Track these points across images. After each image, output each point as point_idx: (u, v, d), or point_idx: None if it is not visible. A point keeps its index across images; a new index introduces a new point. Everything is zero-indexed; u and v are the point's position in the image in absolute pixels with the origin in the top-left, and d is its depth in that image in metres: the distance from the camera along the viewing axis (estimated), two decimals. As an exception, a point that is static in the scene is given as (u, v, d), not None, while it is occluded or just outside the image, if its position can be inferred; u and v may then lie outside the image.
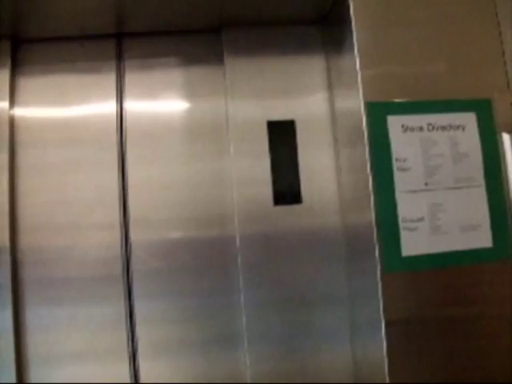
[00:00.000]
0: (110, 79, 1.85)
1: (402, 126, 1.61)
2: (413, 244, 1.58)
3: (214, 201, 1.79)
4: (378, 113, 1.60)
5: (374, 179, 1.57)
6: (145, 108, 1.84)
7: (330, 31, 1.90)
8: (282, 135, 1.81)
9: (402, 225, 1.57)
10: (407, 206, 1.58)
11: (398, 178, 1.58)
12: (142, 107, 1.84)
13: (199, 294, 1.74)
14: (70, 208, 1.73)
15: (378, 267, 1.56)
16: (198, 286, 1.74)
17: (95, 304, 1.66)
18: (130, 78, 1.86)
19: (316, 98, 1.89)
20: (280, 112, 1.84)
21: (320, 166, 1.85)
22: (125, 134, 1.81)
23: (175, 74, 1.87)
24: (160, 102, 1.86)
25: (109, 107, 1.83)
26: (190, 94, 1.87)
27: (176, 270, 1.72)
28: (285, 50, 1.90)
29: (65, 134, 1.79)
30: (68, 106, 1.83)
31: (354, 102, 1.67)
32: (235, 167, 1.79)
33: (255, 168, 1.79)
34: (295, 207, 1.80)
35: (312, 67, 1.91)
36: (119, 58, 1.88)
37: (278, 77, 1.88)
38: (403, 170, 1.59)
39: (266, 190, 1.78)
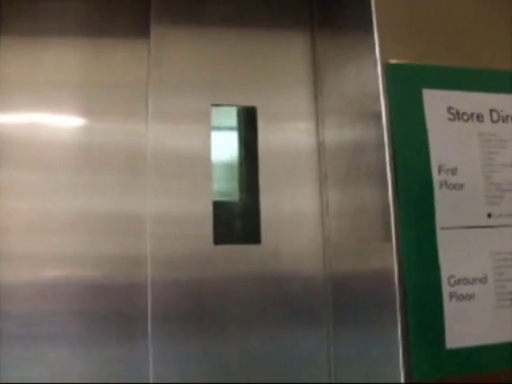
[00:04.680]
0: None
1: (450, 109, 0.90)
2: (467, 325, 0.85)
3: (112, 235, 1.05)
4: (406, 83, 0.89)
5: (396, 202, 0.85)
6: (23, 107, 1.09)
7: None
8: (234, 129, 1.10)
9: (446, 289, 0.85)
10: (457, 256, 0.86)
11: (442, 202, 0.86)
12: (18, 104, 1.09)
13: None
14: None
15: (402, 371, 0.83)
16: (91, 337, 1.02)
17: None
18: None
19: (291, 77, 1.16)
20: (232, 99, 1.12)
21: (293, 181, 1.12)
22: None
23: (72, 48, 1.13)
24: (45, 94, 1.10)
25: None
26: (93, 80, 1.12)
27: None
28: (240, 10, 1.19)
29: None
30: None
31: (362, 69, 0.96)
32: (151, 184, 1.06)
33: (185, 182, 1.06)
34: (250, 248, 1.06)
35: (288, 33, 1.20)
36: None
37: (229, 51, 1.16)
38: (451, 188, 0.87)
39: (204, 221, 1.05)
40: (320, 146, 1.14)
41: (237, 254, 1.07)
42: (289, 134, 1.12)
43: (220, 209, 1.08)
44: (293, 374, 1.07)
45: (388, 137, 0.86)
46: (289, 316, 1.09)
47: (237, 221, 1.12)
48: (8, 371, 1.00)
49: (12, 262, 1.03)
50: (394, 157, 0.85)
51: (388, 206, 0.84)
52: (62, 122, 1.09)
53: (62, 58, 1.10)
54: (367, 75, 0.92)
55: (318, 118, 1.14)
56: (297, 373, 1.07)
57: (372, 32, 0.89)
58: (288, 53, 1.18)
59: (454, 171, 0.87)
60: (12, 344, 1.00)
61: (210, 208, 1.07)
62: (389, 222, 0.84)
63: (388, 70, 0.88)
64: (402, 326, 0.83)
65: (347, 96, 1.05)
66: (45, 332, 1.02)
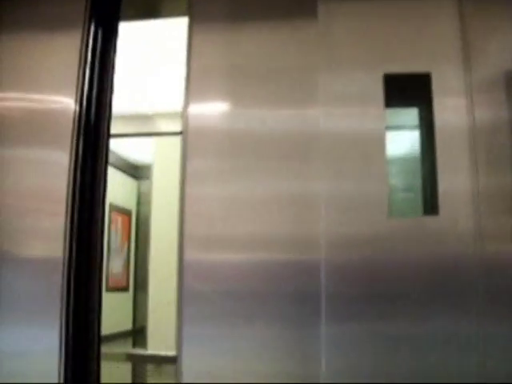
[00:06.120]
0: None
1: None
2: None
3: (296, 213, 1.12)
4: None
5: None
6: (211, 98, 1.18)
7: None
8: (406, 96, 1.14)
9: None
10: None
11: None
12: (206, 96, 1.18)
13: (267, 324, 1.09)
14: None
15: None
16: (268, 316, 1.10)
17: None
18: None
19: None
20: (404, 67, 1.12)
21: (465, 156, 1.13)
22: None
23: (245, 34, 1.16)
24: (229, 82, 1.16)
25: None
26: (266, 66, 1.15)
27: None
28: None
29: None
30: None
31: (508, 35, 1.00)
32: (325, 167, 1.11)
33: (358, 163, 1.08)
34: (426, 220, 1.08)
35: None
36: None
37: (396, 20, 1.15)
38: None
39: (376, 190, 1.08)
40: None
41: (412, 228, 1.06)
42: (462, 104, 1.09)
43: (396, 186, 1.11)
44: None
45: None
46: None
47: (413, 196, 1.15)
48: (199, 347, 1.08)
49: (201, 244, 1.12)
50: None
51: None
52: (240, 111, 1.16)
53: (237, 44, 1.16)
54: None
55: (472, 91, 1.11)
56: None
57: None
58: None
59: None
60: (200, 321, 1.09)
61: (385, 188, 1.07)
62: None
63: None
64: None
65: (496, 68, 1.08)
66: (226, 311, 1.09)
